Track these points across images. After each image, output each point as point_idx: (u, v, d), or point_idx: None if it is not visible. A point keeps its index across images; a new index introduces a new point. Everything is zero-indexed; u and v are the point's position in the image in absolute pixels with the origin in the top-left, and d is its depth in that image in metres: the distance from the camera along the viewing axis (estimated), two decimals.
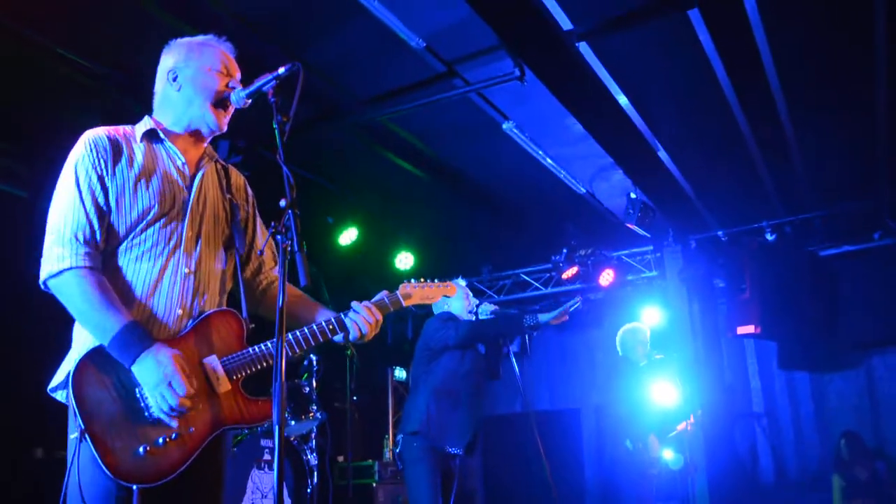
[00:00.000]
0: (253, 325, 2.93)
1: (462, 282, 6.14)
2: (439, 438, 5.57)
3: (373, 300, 3.11)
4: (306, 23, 5.68)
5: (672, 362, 8.96)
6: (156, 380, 2.58)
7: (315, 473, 7.26)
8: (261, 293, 3.15)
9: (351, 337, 2.99)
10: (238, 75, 3.00)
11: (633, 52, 6.00)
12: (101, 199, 2.73)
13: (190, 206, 2.88)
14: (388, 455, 10.66)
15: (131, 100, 6.36)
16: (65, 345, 2.85)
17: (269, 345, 2.84)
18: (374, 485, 9.00)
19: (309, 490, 7.07)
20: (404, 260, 9.96)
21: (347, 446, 10.09)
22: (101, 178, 2.74)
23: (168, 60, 2.99)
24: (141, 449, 2.56)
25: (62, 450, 5.84)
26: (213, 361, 2.76)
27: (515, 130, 6.95)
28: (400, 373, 11.42)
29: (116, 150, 2.81)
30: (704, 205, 8.80)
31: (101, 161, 2.76)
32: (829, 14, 5.65)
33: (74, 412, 2.54)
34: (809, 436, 9.69)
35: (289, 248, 2.56)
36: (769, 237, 8.94)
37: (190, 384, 2.62)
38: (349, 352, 8.92)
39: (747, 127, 6.96)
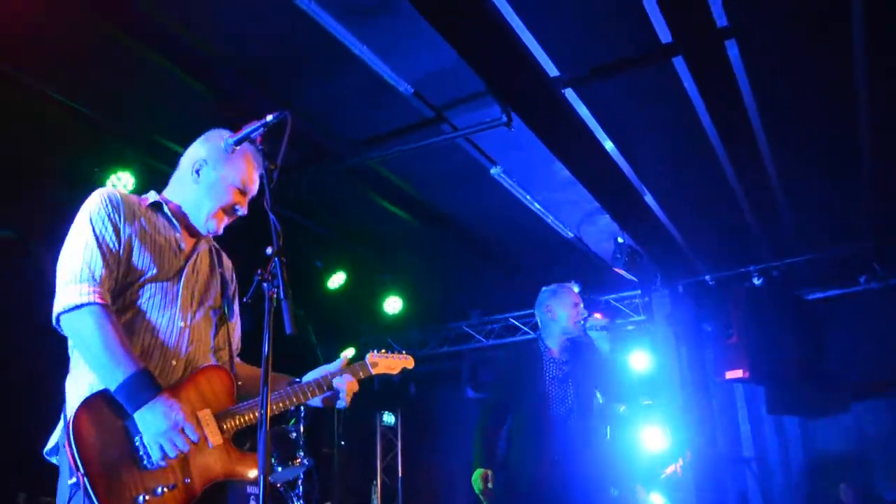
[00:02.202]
0: (241, 383, 2.99)
1: (575, 287, 5.72)
2: None
3: (344, 368, 3.23)
4: (296, 67, 5.73)
5: (660, 407, 8.96)
6: (166, 426, 2.61)
7: None
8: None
9: (339, 405, 3.11)
10: (253, 189, 3.09)
11: (618, 98, 6.07)
12: (114, 247, 2.80)
13: (185, 274, 2.96)
14: (375, 501, 10.57)
15: (121, 144, 6.40)
16: (55, 393, 2.85)
17: (257, 401, 2.85)
18: None
19: None
20: (393, 304, 9.96)
21: (335, 493, 10.02)
22: (115, 229, 2.81)
23: (200, 151, 3.08)
24: (140, 498, 2.56)
25: (45, 495, 5.78)
26: (206, 415, 2.79)
27: (503, 175, 6.99)
28: (388, 417, 11.36)
29: (128, 209, 2.89)
30: (692, 249, 8.84)
31: (116, 214, 2.84)
32: (811, 61, 5.73)
33: (75, 457, 2.52)
34: (799, 480, 9.64)
35: (275, 296, 2.58)
36: (756, 281, 8.97)
37: (198, 432, 2.68)
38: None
39: (733, 172, 7.02)
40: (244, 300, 3.09)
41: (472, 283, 10.15)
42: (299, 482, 7.44)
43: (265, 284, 2.60)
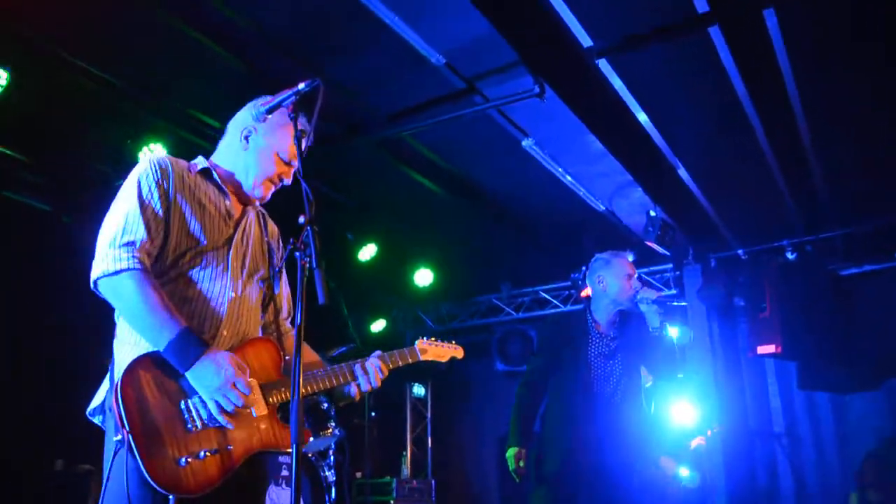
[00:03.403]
0: (288, 357, 2.97)
1: (630, 257, 5.42)
2: None
3: (393, 352, 3.22)
4: (327, 39, 5.72)
5: (691, 382, 8.92)
6: (219, 381, 2.64)
7: (333, 490, 7.25)
8: (275, 339, 3.20)
9: (363, 388, 3.08)
10: (297, 163, 3.05)
11: (653, 69, 5.99)
12: (160, 213, 2.80)
13: (234, 242, 2.97)
14: (406, 472, 10.65)
15: (154, 116, 6.43)
16: (92, 362, 2.89)
17: (307, 377, 2.94)
18: (392, 502, 8.99)
19: None
20: (423, 276, 9.97)
21: (365, 463, 10.10)
22: (162, 196, 2.82)
23: (249, 118, 3.07)
24: (183, 460, 2.58)
25: (83, 462, 5.89)
26: (253, 384, 2.80)
27: (535, 147, 6.95)
28: (418, 389, 11.41)
29: (178, 175, 2.89)
30: (724, 223, 8.76)
31: (164, 180, 2.84)
32: (851, 29, 5.62)
33: (121, 416, 2.55)
34: (830, 456, 9.57)
35: (307, 265, 2.59)
36: (790, 256, 8.87)
37: (248, 389, 2.70)
38: None
39: (768, 145, 6.93)
40: (276, 269, 3.11)
41: (502, 256, 10.14)
42: (330, 452, 7.49)
43: (297, 254, 2.62)
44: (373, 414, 10.43)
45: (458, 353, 3.52)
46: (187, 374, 2.63)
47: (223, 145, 3.13)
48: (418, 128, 6.73)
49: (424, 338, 3.40)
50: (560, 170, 7.38)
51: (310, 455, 7.02)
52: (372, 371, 3.06)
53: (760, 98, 6.18)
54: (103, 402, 2.79)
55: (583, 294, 9.79)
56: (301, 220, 2.64)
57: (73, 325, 6.42)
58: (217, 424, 2.67)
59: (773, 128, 6.65)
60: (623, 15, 5.37)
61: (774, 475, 9.71)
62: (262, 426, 2.79)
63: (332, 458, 7.44)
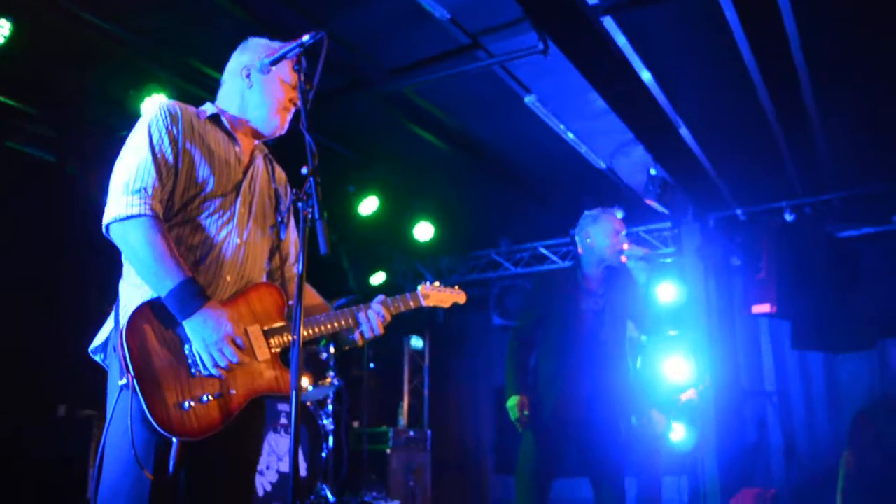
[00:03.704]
0: (292, 302, 2.99)
1: (619, 213, 5.42)
2: None
3: (395, 297, 3.23)
4: None
5: (685, 339, 9.01)
6: (216, 336, 2.66)
7: (330, 438, 7.37)
8: (281, 286, 3.22)
9: (366, 335, 3.10)
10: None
11: (658, 27, 5.98)
12: (171, 159, 2.82)
13: (242, 189, 2.99)
14: (402, 422, 10.79)
15: (156, 66, 6.42)
16: (95, 309, 2.93)
17: (309, 320, 2.97)
18: (388, 451, 9.11)
19: (324, 454, 7.19)
20: (424, 230, 10.00)
21: (363, 412, 10.24)
22: (173, 142, 2.83)
23: (244, 57, 3.10)
24: (186, 404, 2.63)
25: (86, 408, 5.97)
26: (255, 330, 2.85)
27: (537, 104, 6.94)
28: (416, 341, 11.51)
29: (187, 121, 2.91)
30: (724, 183, 8.78)
31: (174, 126, 2.86)
32: None
33: (126, 359, 2.59)
34: (820, 415, 9.70)
35: (309, 216, 2.63)
36: (788, 217, 8.91)
37: (245, 343, 2.73)
38: None
39: (770, 106, 6.93)
40: (278, 219, 3.15)
41: (502, 212, 10.17)
42: (329, 401, 7.60)
43: (300, 204, 2.65)
44: (371, 365, 10.55)
45: (461, 297, 3.51)
46: (184, 324, 2.66)
47: (224, 92, 3.13)
48: (421, 83, 6.74)
49: (427, 283, 3.40)
50: (562, 126, 7.38)
51: (308, 404, 7.12)
52: (374, 317, 3.08)
53: (764, 59, 6.17)
54: (106, 341, 2.83)
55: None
56: (304, 171, 2.67)
57: (78, 272, 6.49)
58: (213, 374, 2.70)
59: (777, 89, 6.65)
60: None
61: (764, 433, 9.85)
62: (265, 370, 2.83)
63: (330, 407, 7.55)
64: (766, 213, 9.21)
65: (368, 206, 9.07)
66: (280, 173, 3.26)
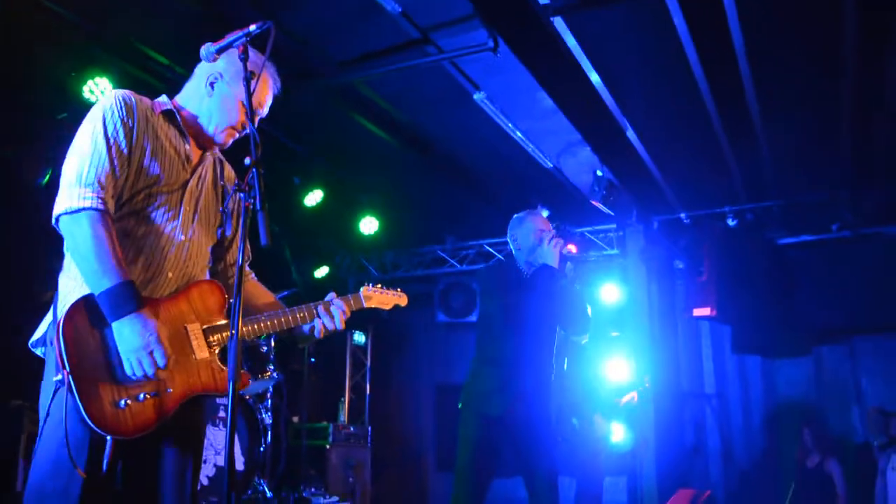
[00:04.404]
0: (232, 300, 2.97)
1: (544, 213, 5.39)
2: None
3: (338, 297, 3.21)
4: None
5: (627, 340, 9.09)
6: (138, 344, 2.61)
7: (269, 433, 7.30)
8: (231, 284, 3.18)
9: (328, 327, 3.10)
10: (264, 111, 3.12)
11: (607, 30, 6.01)
12: (125, 151, 2.78)
13: (189, 187, 2.96)
14: (342, 417, 10.74)
15: (100, 49, 6.29)
16: (28, 298, 2.87)
17: (247, 321, 2.96)
18: (328, 447, 9.08)
19: (262, 449, 7.12)
20: (368, 224, 9.96)
21: (303, 407, 10.16)
22: (127, 133, 2.80)
23: (218, 64, 3.00)
24: (122, 402, 2.60)
25: (16, 398, 5.80)
26: (195, 328, 2.82)
27: (486, 101, 6.95)
28: (359, 336, 11.46)
29: (142, 113, 2.87)
30: (669, 186, 8.88)
31: (129, 118, 2.82)
32: (802, 7, 5.70)
33: (62, 355, 2.55)
34: (757, 419, 9.89)
35: (251, 206, 2.60)
36: (730, 222, 9.05)
37: (167, 356, 2.67)
38: None
39: (716, 112, 7.03)
40: (220, 210, 3.11)
41: (448, 208, 10.16)
42: (268, 395, 7.54)
43: (241, 195, 2.62)
44: (312, 360, 10.47)
45: (402, 300, 3.53)
46: (112, 325, 2.62)
47: (189, 88, 3.09)
48: (370, 76, 6.70)
49: (370, 284, 3.40)
50: (510, 125, 7.39)
51: (247, 397, 7.04)
52: (336, 312, 3.09)
53: (711, 66, 6.25)
54: (45, 334, 2.79)
55: None
56: (247, 161, 2.65)
57: (13, 260, 6.34)
58: (142, 379, 2.66)
59: (722, 96, 6.74)
60: None
61: (703, 435, 10.01)
62: (203, 369, 2.80)
63: (269, 401, 7.48)
64: (709, 217, 9.34)
65: (313, 198, 9.00)
66: (229, 172, 3.23)
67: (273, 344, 7.07)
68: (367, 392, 11.39)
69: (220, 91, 3.01)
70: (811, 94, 6.91)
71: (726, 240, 9.05)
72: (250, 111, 2.74)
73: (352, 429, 9.56)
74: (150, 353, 2.62)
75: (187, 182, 2.96)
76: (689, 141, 7.82)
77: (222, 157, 3.22)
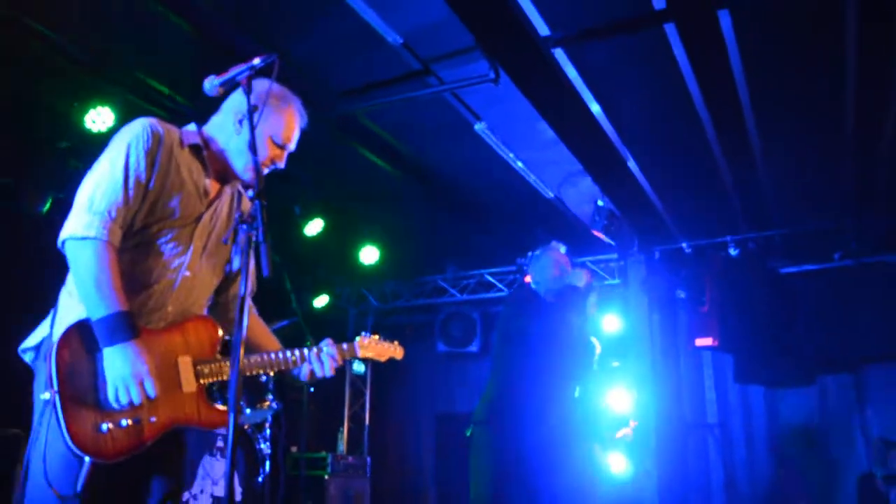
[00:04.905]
0: (228, 338, 2.99)
1: (562, 248, 5.46)
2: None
3: (333, 344, 3.22)
4: (284, 13, 5.65)
5: (629, 370, 9.05)
6: (127, 373, 2.65)
7: (267, 463, 7.24)
8: (232, 318, 3.18)
9: (317, 374, 3.12)
10: (292, 145, 3.17)
11: (607, 61, 6.04)
12: (143, 183, 2.80)
13: (202, 222, 2.98)
14: (341, 448, 10.67)
15: (103, 79, 6.31)
16: (28, 317, 2.88)
17: (256, 358, 3.02)
18: (327, 477, 9.00)
19: (261, 479, 7.06)
20: (369, 253, 9.96)
21: (301, 437, 10.11)
22: (148, 166, 2.81)
23: (245, 101, 2.96)
24: (104, 426, 2.63)
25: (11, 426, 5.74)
26: (186, 362, 2.86)
27: (487, 132, 6.97)
28: (358, 366, 11.42)
29: (167, 146, 2.88)
30: (670, 216, 8.88)
31: (154, 151, 2.83)
32: (801, 35, 5.73)
33: (51, 376, 2.59)
34: (760, 449, 9.82)
35: (253, 238, 2.61)
36: (732, 252, 9.03)
37: (158, 388, 2.71)
38: (308, 343, 8.91)
39: (717, 142, 7.04)
40: (223, 240, 3.11)
41: (449, 238, 10.16)
42: (267, 425, 7.48)
43: (244, 226, 2.63)
44: (311, 389, 10.42)
45: (398, 353, 3.50)
46: (104, 351, 2.66)
47: (216, 122, 3.10)
48: (372, 106, 6.72)
49: (366, 334, 3.37)
50: (511, 155, 7.41)
51: (246, 427, 7.00)
52: (327, 360, 3.10)
53: (711, 96, 6.27)
54: (39, 344, 2.82)
55: (527, 279, 9.88)
56: (250, 193, 2.68)
57: (14, 283, 6.32)
58: (126, 408, 2.69)
59: (723, 126, 6.75)
60: (581, 6, 5.40)
61: (706, 466, 9.94)
62: (188, 402, 2.84)
63: (268, 430, 7.43)
64: (711, 247, 9.33)
65: (314, 227, 9.00)
66: (246, 204, 3.24)
67: (271, 374, 7.03)
68: (367, 422, 11.32)
69: (248, 129, 2.96)
70: (812, 123, 6.91)
71: (728, 269, 9.04)
72: (253, 144, 2.75)
73: (350, 459, 9.49)
74: (140, 382, 2.66)
75: (202, 216, 2.98)
76: (690, 170, 7.82)
77: (241, 189, 3.23)
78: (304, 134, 6.90)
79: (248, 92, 2.83)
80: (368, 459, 9.81)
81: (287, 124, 3.09)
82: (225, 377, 2.92)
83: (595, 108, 6.53)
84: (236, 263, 3.15)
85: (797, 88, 6.40)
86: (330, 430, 10.87)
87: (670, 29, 5.47)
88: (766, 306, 9.01)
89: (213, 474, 6.53)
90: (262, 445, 7.22)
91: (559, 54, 5.81)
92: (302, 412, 10.22)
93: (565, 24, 5.54)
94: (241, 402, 6.70)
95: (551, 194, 8.30)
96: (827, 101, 6.52)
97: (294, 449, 9.80)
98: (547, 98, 6.21)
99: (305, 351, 3.10)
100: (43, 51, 5.86)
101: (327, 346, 3.14)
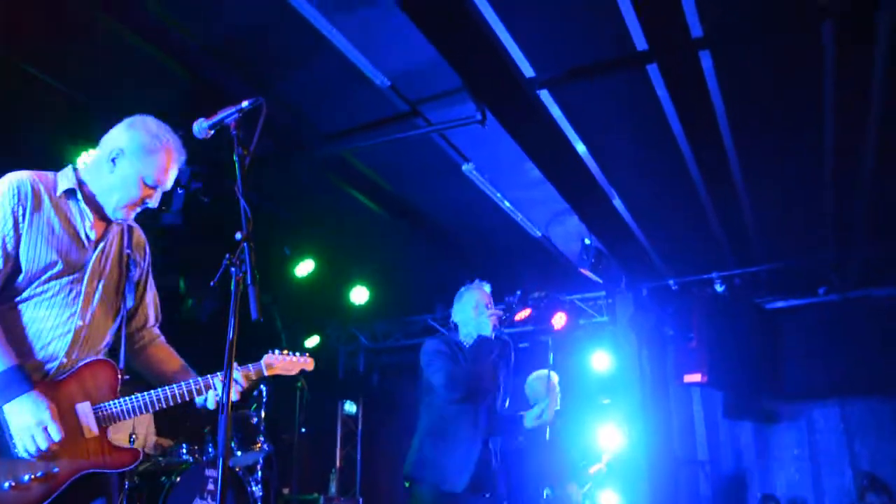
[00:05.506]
0: (128, 377, 3.04)
1: (486, 287, 5.42)
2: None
3: (239, 367, 3.18)
4: (273, 55, 5.73)
5: (619, 407, 9.03)
6: (31, 421, 2.68)
7: None
8: (139, 349, 3.24)
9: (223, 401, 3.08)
10: (168, 184, 3.07)
11: (592, 101, 6.13)
12: (10, 245, 2.80)
13: (91, 265, 2.96)
14: (333, 489, 10.60)
15: (94, 121, 6.34)
16: None
17: (138, 397, 2.96)
18: None
19: None
20: (359, 293, 9.98)
21: (293, 479, 10.03)
22: (16, 225, 2.82)
23: (120, 139, 3.03)
24: (6, 484, 2.65)
25: None
26: (85, 407, 2.86)
27: (475, 172, 7.03)
28: (350, 406, 11.38)
29: (37, 199, 2.88)
30: (657, 253, 8.94)
31: (21, 207, 2.84)
32: (781, 73, 5.83)
33: None
34: (751, 485, 9.80)
35: (241, 280, 2.62)
36: (718, 288, 9.09)
37: (63, 431, 2.72)
38: (300, 384, 8.90)
39: (700, 179, 7.12)
40: (211, 284, 3.12)
41: (438, 277, 10.17)
42: (258, 467, 7.44)
43: (232, 269, 2.63)
44: (303, 430, 10.38)
45: (308, 364, 3.45)
46: (3, 408, 2.68)
47: (93, 161, 3.08)
48: (360, 147, 6.77)
49: (273, 352, 3.34)
50: (499, 195, 7.47)
51: (237, 469, 6.96)
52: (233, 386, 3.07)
53: (694, 134, 6.36)
54: None
55: (516, 318, 9.91)
56: (237, 236, 2.67)
57: None
58: (36, 456, 2.70)
59: (706, 163, 6.84)
60: (565, 48, 5.49)
61: (697, 501, 9.90)
62: (92, 447, 2.85)
63: (259, 473, 7.39)
64: (697, 283, 9.39)
65: (304, 268, 9.03)
66: (138, 237, 3.23)
67: (263, 415, 7.02)
68: (359, 462, 11.26)
69: (120, 168, 2.99)
70: (794, 162, 7.00)
71: (715, 305, 9.09)
72: (241, 183, 2.75)
73: (342, 500, 9.44)
74: (45, 428, 2.68)
75: (89, 261, 2.96)
76: (676, 208, 7.90)
77: (131, 223, 3.20)
78: (294, 175, 6.98)
79: (237, 134, 2.84)
80: (360, 501, 9.76)
81: (163, 164, 3.02)
82: (124, 418, 2.91)
83: (580, 147, 6.62)
84: (130, 301, 3.13)
85: (778, 126, 6.50)
86: (322, 472, 10.81)
87: (653, 70, 5.57)
88: (753, 342, 9.06)
89: None
90: (254, 488, 7.18)
91: (545, 95, 5.91)
92: (293, 453, 10.16)
93: (550, 66, 5.63)
94: (232, 445, 6.68)
95: (539, 233, 8.36)
96: (808, 142, 6.61)
97: (286, 491, 9.73)
98: (533, 138, 6.29)
99: (210, 378, 3.05)
100: (34, 91, 5.91)
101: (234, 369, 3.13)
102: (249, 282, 2.60)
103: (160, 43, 5.53)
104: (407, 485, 5.01)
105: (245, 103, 2.86)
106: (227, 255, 2.68)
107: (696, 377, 8.81)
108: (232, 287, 2.64)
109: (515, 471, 6.33)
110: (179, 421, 7.15)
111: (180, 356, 3.32)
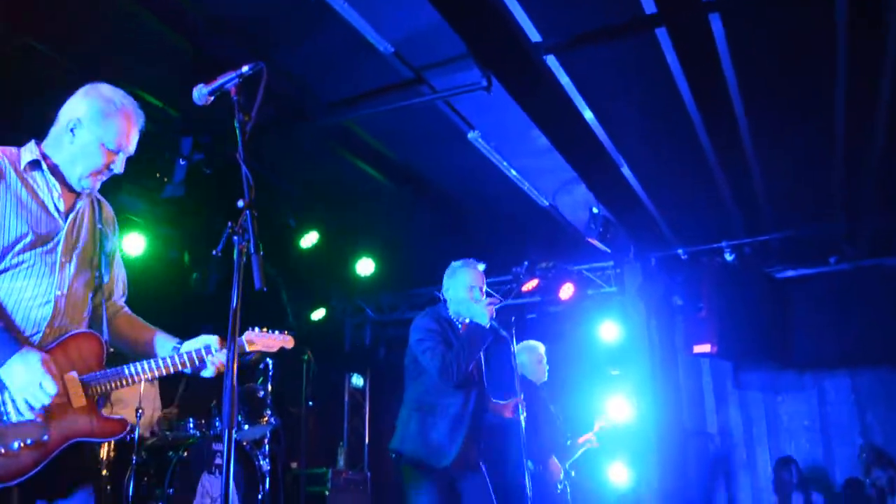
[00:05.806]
0: (112, 350, 3.05)
1: (480, 266, 5.31)
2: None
3: (220, 344, 3.15)
4: (274, 24, 5.66)
5: (628, 378, 8.99)
6: (25, 380, 2.69)
7: (267, 479, 7.18)
8: (107, 320, 3.20)
9: (209, 374, 3.09)
10: (130, 148, 3.06)
11: (599, 67, 6.04)
12: None
13: (64, 235, 2.95)
14: (341, 463, 10.60)
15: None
16: None
17: (126, 368, 2.97)
18: (327, 493, 8.93)
19: (260, 496, 7.00)
20: (365, 266, 9.93)
21: (301, 453, 10.03)
22: None
23: (78, 108, 3.00)
24: None
25: None
26: (72, 378, 2.85)
27: (480, 140, 6.94)
28: (357, 380, 11.36)
29: (1, 172, 2.87)
30: (666, 222, 8.87)
31: None
32: (793, 39, 5.74)
33: None
34: (761, 455, 9.78)
35: (245, 250, 2.57)
36: (728, 257, 9.02)
37: (59, 385, 2.74)
38: (306, 356, 8.87)
39: (710, 147, 7.04)
40: (214, 253, 3.06)
41: (444, 247, 10.11)
42: (266, 441, 7.43)
43: (235, 238, 2.59)
44: (310, 403, 10.36)
45: (288, 342, 3.42)
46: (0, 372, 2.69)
47: (52, 133, 3.05)
48: (364, 115, 6.70)
49: (255, 328, 3.31)
50: (505, 163, 7.39)
51: (244, 443, 6.95)
52: (210, 363, 3.06)
53: (704, 100, 6.27)
54: None
55: (524, 288, 9.86)
56: (240, 203, 2.62)
57: None
58: (29, 419, 2.72)
59: (716, 130, 6.75)
60: (572, 13, 5.40)
61: (706, 473, 9.89)
62: (80, 417, 2.84)
63: (266, 447, 7.37)
64: (706, 252, 9.31)
65: (309, 239, 8.98)
66: (107, 212, 3.22)
67: (269, 389, 6.99)
68: (366, 436, 11.25)
69: (80, 137, 2.97)
70: (805, 127, 6.92)
71: (724, 275, 9.02)
72: (242, 150, 2.70)
73: (351, 474, 9.42)
74: (40, 384, 2.69)
75: (61, 231, 2.94)
76: (685, 176, 7.82)
77: (99, 197, 3.18)
78: (297, 145, 6.92)
79: (238, 100, 2.79)
80: (368, 475, 9.75)
81: (123, 128, 3.00)
82: (112, 387, 2.92)
83: (588, 114, 6.53)
84: (106, 276, 3.12)
85: (789, 93, 6.42)
86: (329, 445, 10.80)
87: (662, 34, 5.46)
88: (764, 312, 8.99)
89: (211, 492, 6.47)
90: (262, 462, 7.17)
91: (551, 61, 5.81)
92: (301, 427, 10.15)
93: (557, 31, 5.53)
94: (239, 419, 6.65)
95: (546, 202, 8.29)
96: (818, 106, 6.52)
97: (294, 465, 9.73)
98: (540, 105, 6.21)
99: (193, 352, 3.04)
100: (34, 64, 5.85)
101: (213, 344, 3.08)
102: (252, 251, 2.56)
103: (161, 14, 5.46)
104: (393, 457, 4.94)
105: (245, 68, 2.83)
106: (230, 224, 2.63)
107: (705, 347, 8.76)
108: (235, 256, 2.58)
109: (502, 446, 6.29)
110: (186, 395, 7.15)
111: (187, 327, 3.31)
